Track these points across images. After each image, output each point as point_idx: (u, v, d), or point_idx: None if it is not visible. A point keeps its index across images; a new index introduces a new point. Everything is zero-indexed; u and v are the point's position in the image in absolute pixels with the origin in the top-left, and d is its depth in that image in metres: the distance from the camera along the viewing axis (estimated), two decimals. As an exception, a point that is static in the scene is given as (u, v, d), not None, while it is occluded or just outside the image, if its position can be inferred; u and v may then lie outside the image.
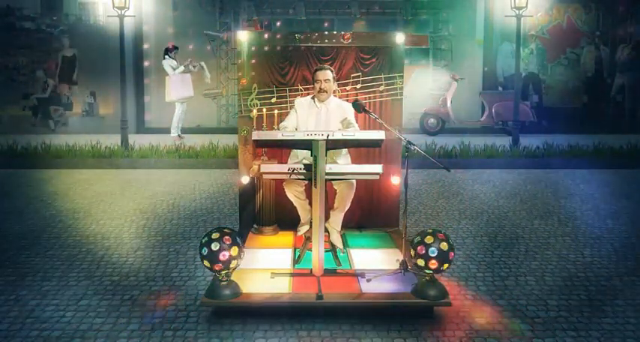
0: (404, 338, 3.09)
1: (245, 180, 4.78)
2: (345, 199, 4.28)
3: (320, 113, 4.37)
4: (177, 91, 10.58)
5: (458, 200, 6.49)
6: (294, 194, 4.32)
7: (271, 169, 3.85)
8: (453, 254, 3.31)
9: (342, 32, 4.76)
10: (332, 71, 4.36)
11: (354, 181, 4.24)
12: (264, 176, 3.94)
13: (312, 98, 4.42)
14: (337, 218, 4.36)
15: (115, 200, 6.43)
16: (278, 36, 4.93)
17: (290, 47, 4.78)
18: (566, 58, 14.12)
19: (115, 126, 10.61)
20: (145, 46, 13.17)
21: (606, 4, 13.93)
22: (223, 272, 3.29)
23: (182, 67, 10.56)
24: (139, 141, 9.91)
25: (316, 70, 4.36)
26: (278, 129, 4.46)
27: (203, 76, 11.12)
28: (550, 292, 3.76)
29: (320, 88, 4.29)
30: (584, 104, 14.11)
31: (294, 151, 4.48)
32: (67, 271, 4.11)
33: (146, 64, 13.18)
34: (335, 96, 4.66)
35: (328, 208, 4.26)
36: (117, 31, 10.04)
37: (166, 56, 10.61)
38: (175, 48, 10.74)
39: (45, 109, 13.34)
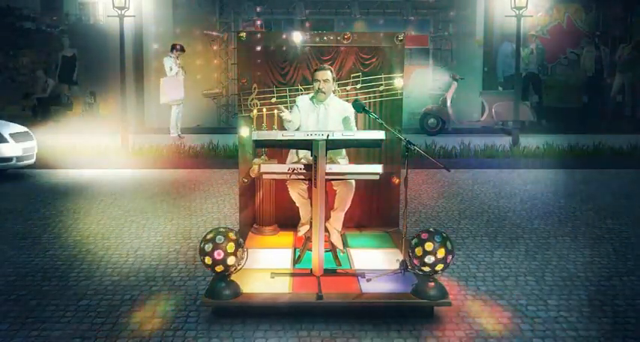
0: (404, 338, 3.09)
1: (245, 180, 4.78)
2: (344, 199, 4.28)
3: (319, 113, 4.37)
4: (170, 93, 10.72)
5: (458, 200, 6.49)
6: (298, 193, 4.32)
7: (271, 169, 3.85)
8: (451, 258, 3.32)
9: (342, 32, 4.76)
10: (332, 71, 4.35)
11: (353, 182, 4.24)
12: (264, 176, 3.94)
13: (312, 98, 4.43)
14: (337, 218, 4.36)
15: (115, 200, 6.43)
16: (278, 36, 4.93)
17: (290, 47, 4.78)
18: (566, 58, 14.12)
19: (115, 126, 10.62)
20: (145, 46, 13.16)
21: (606, 4, 13.93)
22: (223, 272, 3.29)
23: (176, 69, 10.64)
24: (138, 141, 9.91)
25: (316, 70, 4.36)
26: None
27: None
28: (550, 292, 3.76)
29: (318, 89, 4.29)
30: (584, 104, 14.11)
31: (292, 150, 4.47)
32: (67, 271, 4.11)
33: (146, 63, 13.17)
34: (335, 96, 4.66)
35: (329, 208, 4.26)
36: (117, 31, 10.03)
37: (170, 54, 10.69)
38: (181, 49, 10.77)
39: (45, 109, 13.34)
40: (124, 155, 9.04)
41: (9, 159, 7.60)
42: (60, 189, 7.09)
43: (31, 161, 8.04)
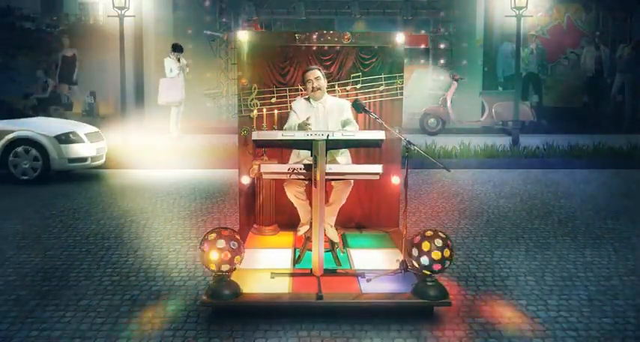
0: (404, 338, 3.09)
1: (245, 180, 4.78)
2: (341, 195, 4.28)
3: (318, 112, 4.38)
4: (167, 94, 10.70)
5: (458, 200, 6.49)
6: (295, 195, 4.32)
7: (271, 169, 3.85)
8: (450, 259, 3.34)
9: (342, 32, 4.76)
10: (320, 70, 4.39)
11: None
12: (264, 176, 3.94)
13: (307, 99, 4.43)
14: (332, 212, 4.34)
15: (115, 200, 6.43)
16: (278, 36, 4.93)
17: (290, 47, 4.78)
18: (566, 58, 14.12)
19: (114, 126, 10.61)
20: (145, 46, 13.16)
21: (606, 4, 13.93)
22: (223, 272, 3.29)
23: (176, 71, 10.61)
24: (139, 141, 9.91)
25: (304, 72, 4.40)
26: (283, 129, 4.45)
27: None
28: (550, 292, 3.76)
29: (313, 87, 4.32)
30: (584, 104, 14.10)
31: (295, 150, 4.47)
32: (67, 271, 4.11)
33: (146, 63, 13.17)
34: (334, 96, 4.66)
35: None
36: (117, 31, 10.05)
37: (170, 55, 10.67)
38: (180, 50, 10.75)
39: (45, 109, 13.33)
40: (125, 155, 9.04)
41: (84, 159, 7.70)
42: (60, 189, 7.08)
43: (102, 161, 8.13)
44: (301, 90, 4.80)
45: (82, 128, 7.99)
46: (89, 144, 7.74)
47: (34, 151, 7.36)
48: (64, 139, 7.52)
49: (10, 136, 7.37)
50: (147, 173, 8.17)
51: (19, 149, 7.35)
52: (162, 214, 5.78)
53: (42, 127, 7.72)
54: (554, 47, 13.96)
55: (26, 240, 4.87)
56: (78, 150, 7.61)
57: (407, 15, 13.69)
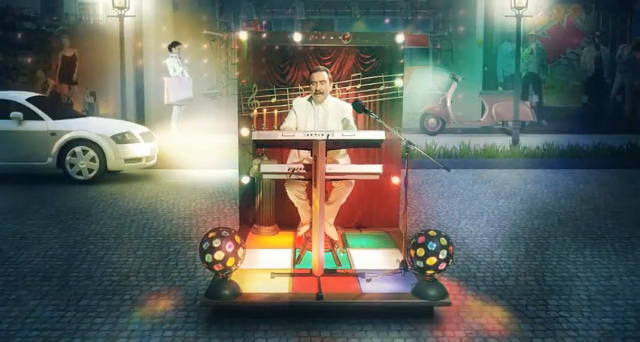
0: (404, 338, 3.09)
1: (245, 180, 4.78)
2: (342, 195, 4.28)
3: (318, 114, 4.36)
4: (176, 93, 10.65)
5: (458, 200, 6.48)
6: (296, 194, 4.32)
7: (271, 169, 3.85)
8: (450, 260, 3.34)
9: (342, 32, 4.76)
10: (327, 72, 4.33)
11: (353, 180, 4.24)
12: (264, 176, 3.95)
13: (309, 99, 4.41)
14: (332, 212, 4.34)
15: (115, 200, 6.43)
16: (278, 36, 4.93)
17: (290, 47, 4.78)
18: (566, 58, 14.13)
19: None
20: (145, 45, 13.15)
21: (606, 4, 13.94)
22: (223, 272, 3.29)
23: (179, 69, 10.57)
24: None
25: (312, 72, 4.35)
26: (279, 130, 4.44)
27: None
28: (550, 292, 3.76)
29: (315, 90, 4.28)
30: (584, 104, 14.11)
31: (294, 150, 4.47)
32: (67, 271, 4.11)
33: (146, 63, 13.16)
34: (335, 96, 4.66)
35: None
36: (117, 31, 10.04)
37: (170, 54, 10.64)
38: (177, 43, 10.72)
39: (45, 109, 13.31)
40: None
41: (139, 159, 7.71)
42: (60, 189, 7.08)
43: (155, 161, 8.12)
44: (301, 90, 4.80)
45: (135, 128, 8.00)
46: (144, 144, 7.75)
47: (91, 152, 7.34)
48: (121, 139, 7.51)
49: (67, 136, 7.34)
50: (147, 173, 8.17)
51: (77, 149, 7.32)
52: (162, 214, 5.78)
53: (97, 127, 7.72)
54: (554, 47, 13.98)
55: (26, 240, 4.86)
56: (133, 150, 7.60)
57: (407, 15, 13.69)
